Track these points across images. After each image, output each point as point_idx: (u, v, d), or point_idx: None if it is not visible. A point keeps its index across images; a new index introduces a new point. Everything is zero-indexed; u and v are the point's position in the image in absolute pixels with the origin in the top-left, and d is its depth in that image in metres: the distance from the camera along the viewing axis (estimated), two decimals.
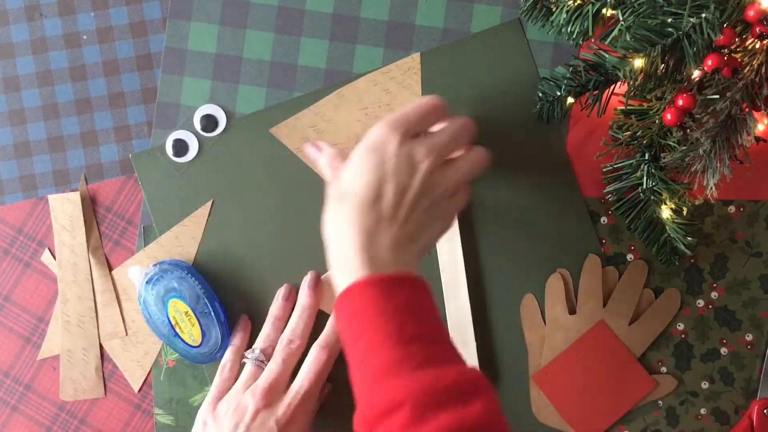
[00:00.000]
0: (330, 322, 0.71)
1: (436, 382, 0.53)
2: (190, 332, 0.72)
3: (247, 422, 0.66)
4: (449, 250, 0.73)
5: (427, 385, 0.52)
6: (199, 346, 0.72)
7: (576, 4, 0.69)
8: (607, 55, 0.66)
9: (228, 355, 0.72)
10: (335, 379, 0.72)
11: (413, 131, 0.62)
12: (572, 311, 0.74)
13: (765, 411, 0.73)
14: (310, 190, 0.75)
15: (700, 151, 0.65)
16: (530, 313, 0.74)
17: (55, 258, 0.75)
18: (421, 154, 0.61)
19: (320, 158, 0.67)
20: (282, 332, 0.71)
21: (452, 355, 0.57)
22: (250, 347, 0.72)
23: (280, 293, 0.73)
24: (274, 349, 0.70)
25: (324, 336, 0.71)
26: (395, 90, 0.74)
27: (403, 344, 0.55)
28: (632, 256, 0.74)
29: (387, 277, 0.57)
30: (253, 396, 0.67)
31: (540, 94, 0.71)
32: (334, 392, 0.73)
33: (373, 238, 0.59)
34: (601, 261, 0.74)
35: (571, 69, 0.69)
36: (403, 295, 0.57)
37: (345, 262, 0.59)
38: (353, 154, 0.62)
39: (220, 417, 0.67)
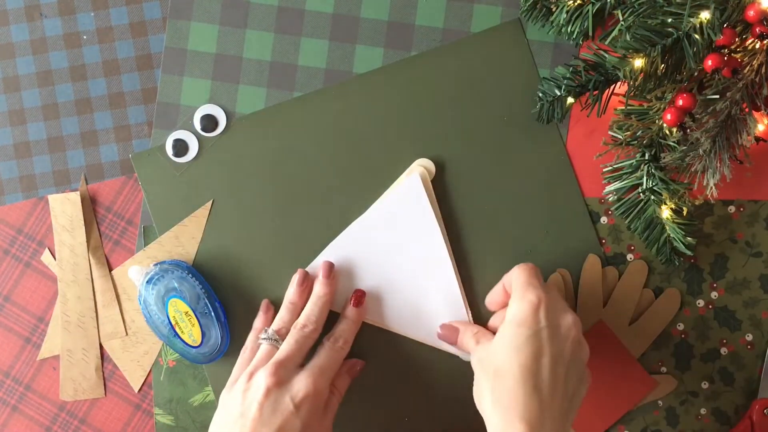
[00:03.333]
0: (344, 315, 0.72)
1: None
2: (190, 332, 0.72)
3: (260, 400, 0.64)
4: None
5: None
6: (198, 346, 0.72)
7: (576, 4, 0.69)
8: (607, 55, 0.66)
9: (249, 337, 0.72)
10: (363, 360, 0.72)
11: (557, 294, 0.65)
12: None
13: (765, 411, 0.73)
14: (310, 190, 0.75)
15: (700, 151, 0.65)
16: None
17: (55, 258, 0.75)
18: (569, 320, 0.64)
19: (464, 334, 0.69)
20: (297, 317, 0.71)
21: None
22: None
23: (295, 279, 0.72)
24: (288, 332, 0.70)
25: (338, 329, 0.71)
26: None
27: None
28: (632, 256, 0.74)
29: None
30: (265, 374, 0.65)
31: (540, 94, 0.71)
32: (361, 375, 0.74)
33: (538, 418, 0.60)
34: (600, 261, 0.74)
35: (571, 69, 0.69)
36: None
37: None
38: (503, 331, 0.63)
39: (234, 396, 0.66)
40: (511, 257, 0.74)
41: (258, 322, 0.73)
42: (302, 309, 0.71)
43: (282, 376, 0.65)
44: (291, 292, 0.72)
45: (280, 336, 0.69)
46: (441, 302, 0.73)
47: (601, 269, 0.74)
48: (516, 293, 0.64)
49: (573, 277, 0.74)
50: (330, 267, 0.72)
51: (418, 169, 0.73)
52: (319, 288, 0.72)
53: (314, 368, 0.67)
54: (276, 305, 0.73)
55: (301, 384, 0.65)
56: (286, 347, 0.67)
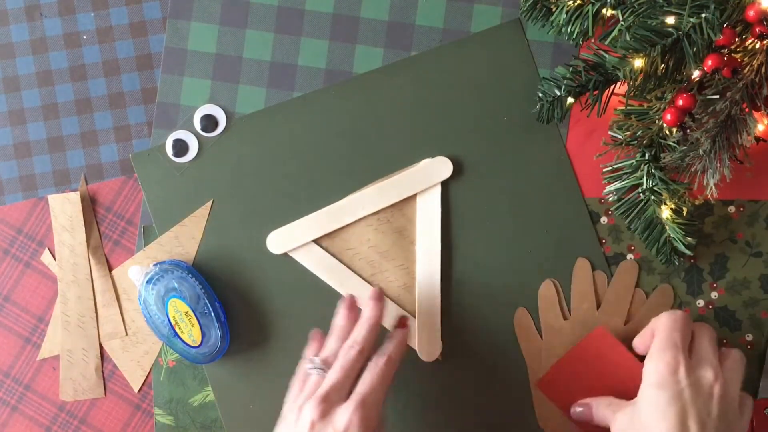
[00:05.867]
0: (389, 336, 0.69)
1: None
2: (190, 332, 0.72)
3: None
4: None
5: None
6: (198, 346, 0.72)
7: (576, 4, 0.69)
8: (607, 55, 0.66)
9: (300, 367, 0.69)
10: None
11: (686, 352, 0.63)
12: (566, 318, 0.74)
13: (765, 411, 0.73)
14: (310, 190, 0.75)
15: (700, 151, 0.65)
16: (524, 326, 0.74)
17: (55, 258, 0.75)
18: (710, 377, 0.62)
19: (598, 407, 0.68)
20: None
21: None
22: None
23: (343, 303, 0.69)
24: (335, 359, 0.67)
25: (383, 347, 0.68)
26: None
27: None
28: (632, 256, 0.74)
29: None
30: (310, 407, 0.63)
31: (540, 94, 0.71)
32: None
33: None
34: (590, 264, 0.73)
35: (571, 69, 0.69)
36: None
37: None
38: (643, 396, 0.63)
39: (283, 429, 0.65)
40: (511, 257, 0.74)
41: (308, 350, 0.70)
42: (349, 334, 0.68)
43: (325, 409, 0.63)
44: (339, 317, 0.69)
45: (327, 365, 0.66)
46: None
47: (591, 272, 0.74)
48: (655, 349, 0.63)
49: (566, 282, 0.74)
50: (380, 291, 0.69)
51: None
52: (367, 311, 0.68)
53: (357, 398, 0.64)
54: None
55: (343, 417, 0.63)
56: (332, 376, 0.65)
